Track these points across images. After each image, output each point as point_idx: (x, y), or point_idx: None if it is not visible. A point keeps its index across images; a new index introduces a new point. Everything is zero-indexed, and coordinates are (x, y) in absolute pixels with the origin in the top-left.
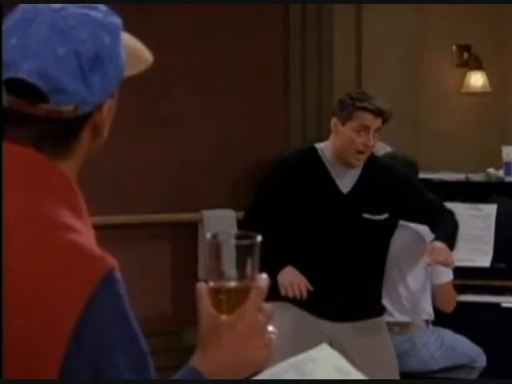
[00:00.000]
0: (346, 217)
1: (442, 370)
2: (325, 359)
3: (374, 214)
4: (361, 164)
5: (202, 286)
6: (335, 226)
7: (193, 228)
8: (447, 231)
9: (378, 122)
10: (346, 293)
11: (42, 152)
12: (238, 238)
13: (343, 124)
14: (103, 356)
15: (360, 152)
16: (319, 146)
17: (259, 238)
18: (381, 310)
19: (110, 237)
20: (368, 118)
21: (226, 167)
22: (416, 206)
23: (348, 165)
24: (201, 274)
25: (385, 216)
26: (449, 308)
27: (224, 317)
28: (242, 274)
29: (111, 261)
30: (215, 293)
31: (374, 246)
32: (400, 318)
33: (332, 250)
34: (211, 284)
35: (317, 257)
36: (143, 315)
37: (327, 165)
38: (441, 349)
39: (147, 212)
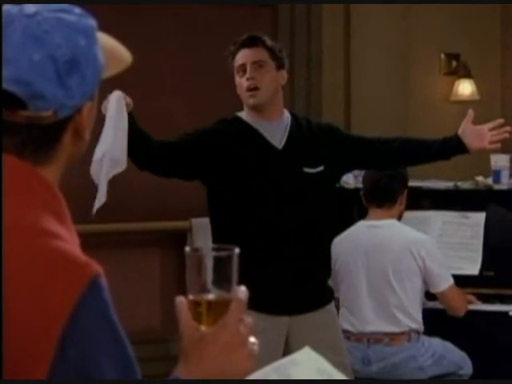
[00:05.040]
0: (287, 173)
1: (430, 379)
2: (307, 362)
3: (312, 167)
4: (259, 101)
5: (181, 300)
6: (277, 185)
7: (182, 236)
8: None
9: (253, 53)
10: (301, 269)
11: (25, 159)
12: (216, 250)
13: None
14: (89, 362)
15: (249, 89)
16: (237, 113)
17: (237, 250)
18: (331, 295)
19: (98, 245)
20: (242, 54)
21: None
22: (356, 141)
23: (257, 110)
24: None
25: (320, 169)
26: (459, 314)
27: (206, 329)
28: (221, 287)
29: (96, 267)
30: (195, 306)
31: (320, 205)
32: (390, 328)
33: (281, 214)
34: (191, 297)
35: (268, 227)
36: (131, 323)
37: (254, 125)
38: (432, 358)
39: (136, 220)
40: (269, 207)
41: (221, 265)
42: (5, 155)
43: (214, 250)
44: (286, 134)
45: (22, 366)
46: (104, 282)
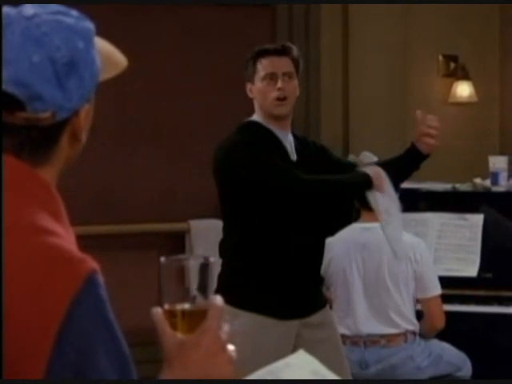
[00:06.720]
0: None
1: (429, 380)
2: (302, 365)
3: None
4: (285, 111)
5: (157, 310)
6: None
7: (180, 238)
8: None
9: (284, 63)
10: (310, 278)
11: (23, 160)
12: (192, 260)
13: (253, 81)
14: (86, 359)
15: (278, 99)
16: (253, 119)
17: (212, 259)
18: (326, 299)
19: (96, 246)
20: (270, 61)
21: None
22: (339, 165)
23: (278, 120)
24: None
25: None
26: (436, 327)
27: (183, 337)
28: (198, 295)
29: (92, 263)
30: (172, 315)
31: (322, 213)
32: (386, 330)
33: (294, 225)
34: (166, 306)
35: (288, 238)
36: (128, 325)
37: (275, 133)
38: (428, 359)
39: (134, 222)
40: (282, 217)
41: (198, 274)
42: (3, 156)
43: (190, 259)
44: (293, 147)
45: (20, 365)
46: (100, 278)
